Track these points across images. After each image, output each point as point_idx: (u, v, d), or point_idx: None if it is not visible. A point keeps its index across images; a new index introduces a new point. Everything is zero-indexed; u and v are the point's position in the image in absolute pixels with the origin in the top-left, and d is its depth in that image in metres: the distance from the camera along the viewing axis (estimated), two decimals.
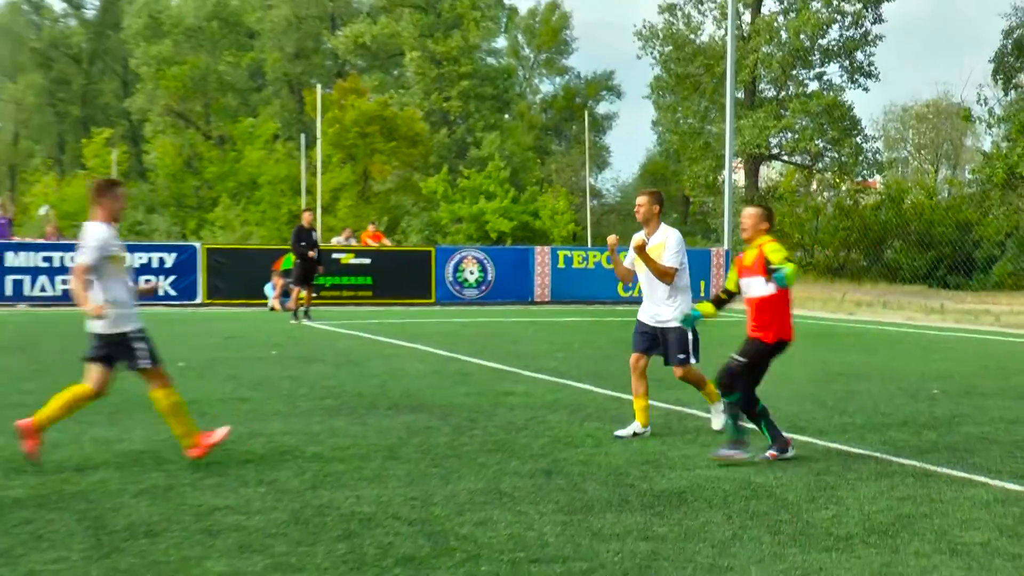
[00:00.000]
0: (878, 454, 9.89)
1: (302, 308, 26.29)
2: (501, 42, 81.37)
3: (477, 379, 15.13)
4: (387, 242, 39.70)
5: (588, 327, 26.23)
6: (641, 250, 10.34)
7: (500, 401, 12.93)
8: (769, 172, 62.64)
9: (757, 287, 9.45)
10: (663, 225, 10.57)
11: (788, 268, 9.05)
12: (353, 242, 38.18)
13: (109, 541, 6.75)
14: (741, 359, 9.40)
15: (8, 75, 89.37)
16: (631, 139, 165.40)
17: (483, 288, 35.15)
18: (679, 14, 58.22)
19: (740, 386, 9.38)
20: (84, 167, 71.89)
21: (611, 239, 10.60)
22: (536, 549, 6.67)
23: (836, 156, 56.76)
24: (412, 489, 8.26)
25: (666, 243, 10.39)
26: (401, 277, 34.57)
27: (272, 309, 31.49)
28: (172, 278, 32.66)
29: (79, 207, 63.97)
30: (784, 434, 9.66)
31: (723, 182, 44.44)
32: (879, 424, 11.61)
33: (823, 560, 6.54)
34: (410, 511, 7.58)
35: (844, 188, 55.59)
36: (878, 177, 59.28)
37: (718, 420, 10.81)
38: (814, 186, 58.44)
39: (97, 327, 8.95)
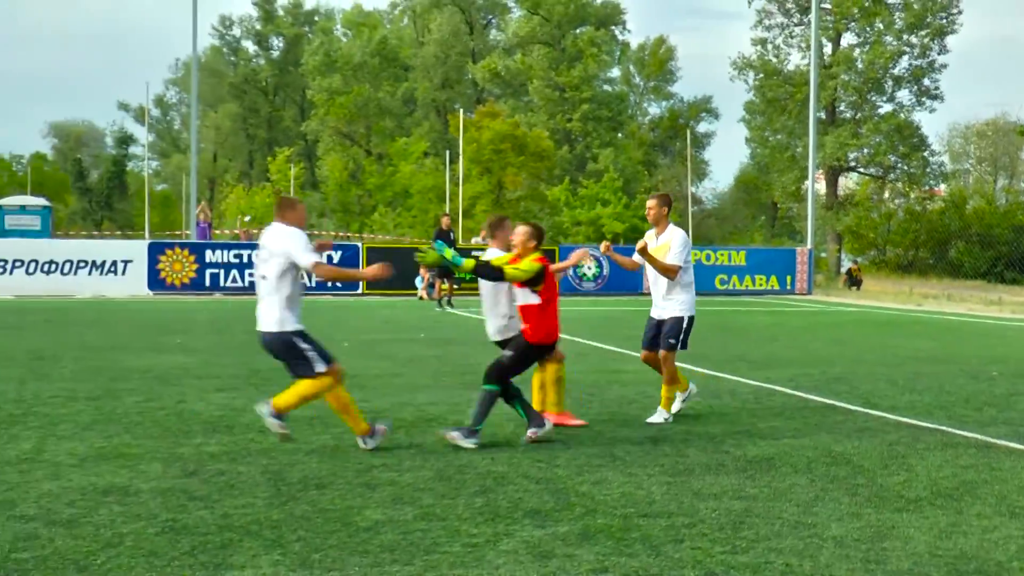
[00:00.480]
0: (943, 427, 9.57)
1: (445, 297, 26.51)
2: (615, 72, 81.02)
3: (594, 359, 15.03)
4: None
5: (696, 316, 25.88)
6: (643, 251, 9.87)
7: (614, 378, 12.84)
8: (847, 182, 61.24)
9: (523, 296, 8.94)
10: (671, 226, 10.01)
11: (467, 264, 8.70)
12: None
13: (287, 491, 6.85)
14: (507, 356, 8.70)
15: (210, 105, 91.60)
16: (727, 153, 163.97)
17: (599, 281, 34.98)
18: (769, 47, 57.24)
19: (504, 380, 8.64)
20: (268, 180, 73.40)
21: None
22: (644, 505, 6.59)
23: (906, 168, 55.20)
24: (538, 452, 8.22)
25: (671, 243, 9.87)
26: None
27: (420, 298, 31.74)
28: None
29: (264, 212, 65.41)
30: (539, 413, 8.97)
31: (807, 190, 43.55)
32: (944, 401, 11.24)
33: (895, 519, 6.34)
34: (537, 471, 7.55)
35: (913, 196, 54.26)
36: (943, 186, 57.59)
37: (676, 405, 10.06)
38: (886, 194, 57.01)
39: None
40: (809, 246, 37.32)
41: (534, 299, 8.87)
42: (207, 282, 31.84)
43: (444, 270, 26.74)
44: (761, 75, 57.13)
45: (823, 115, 54.00)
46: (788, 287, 35.28)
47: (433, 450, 8.25)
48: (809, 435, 9.06)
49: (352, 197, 70.49)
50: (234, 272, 32.17)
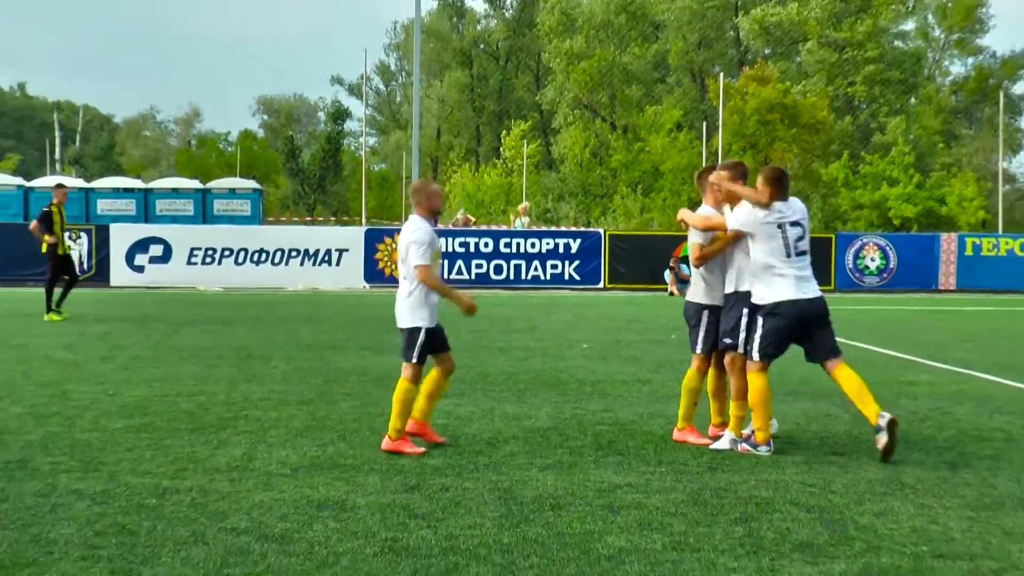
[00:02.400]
0: None
1: None
2: (909, 24, 78.18)
3: (879, 367, 14.63)
4: None
5: (998, 316, 24.84)
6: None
7: (903, 391, 12.46)
8: None
9: None
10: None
11: None
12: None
13: (518, 511, 6.99)
14: None
15: (434, 74, 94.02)
16: None
17: (884, 275, 33.98)
18: None
19: None
20: (499, 157, 74.73)
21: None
22: (941, 544, 6.38)
23: None
24: (810, 476, 8.09)
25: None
26: None
27: (671, 294, 31.68)
28: (576, 263, 33.47)
29: (493, 195, 66.67)
30: None
31: None
32: None
33: None
34: (808, 497, 7.43)
35: None
36: None
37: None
38: None
39: (399, 322, 9.24)
40: None
41: None
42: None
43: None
44: None
45: None
46: None
47: (685, 469, 8.24)
48: None
49: (594, 177, 70.91)
50: (459, 263, 33.00)
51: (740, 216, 9.06)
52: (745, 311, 9.07)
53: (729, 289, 9.27)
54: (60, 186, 21.71)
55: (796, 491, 7.60)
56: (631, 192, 63.82)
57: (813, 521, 6.82)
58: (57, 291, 20.98)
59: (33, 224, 20.99)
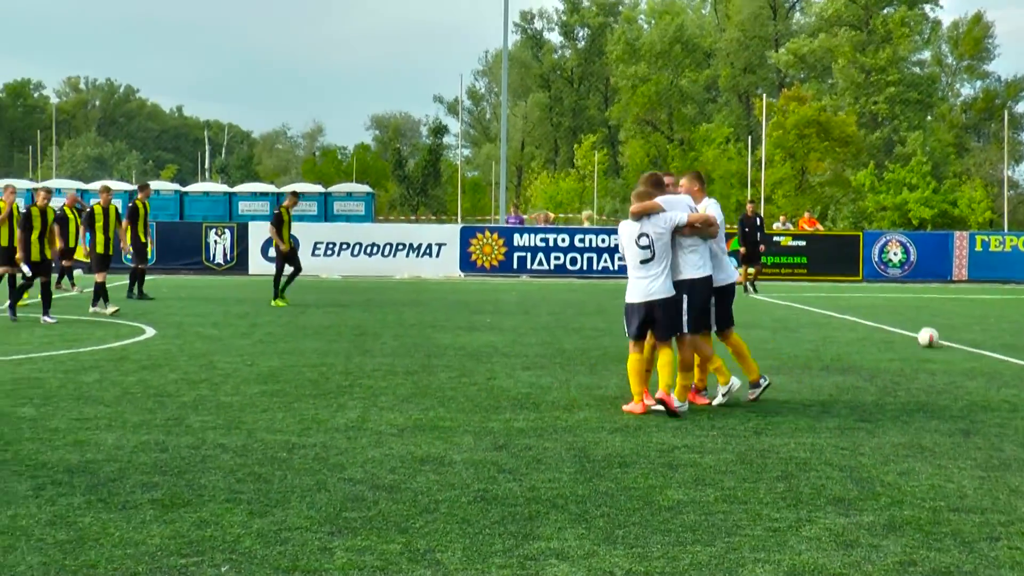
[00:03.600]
0: None
1: (748, 282, 26.00)
2: (925, 53, 76.58)
3: (900, 347, 14.34)
4: (820, 227, 38.44)
5: (1004, 304, 24.23)
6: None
7: (921, 367, 12.20)
8: None
9: None
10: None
11: None
12: (790, 227, 37.29)
13: (591, 467, 6.94)
14: None
15: (518, 95, 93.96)
16: None
17: (905, 268, 33.34)
18: None
19: None
20: (573, 166, 74.54)
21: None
22: (955, 499, 6.23)
23: None
24: (842, 440, 7.94)
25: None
26: (831, 257, 33.46)
27: None
28: None
29: (568, 197, 66.49)
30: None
31: None
32: None
33: None
34: (840, 458, 7.29)
35: None
36: None
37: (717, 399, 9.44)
38: None
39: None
40: None
41: None
42: (515, 264, 32.78)
43: (749, 255, 26.25)
44: None
45: None
46: None
47: (734, 433, 8.14)
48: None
49: None
50: (540, 255, 32.93)
51: (713, 209, 9.31)
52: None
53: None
54: (295, 194, 21.69)
55: (830, 453, 7.47)
56: None
57: (844, 479, 6.69)
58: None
59: (270, 227, 20.86)
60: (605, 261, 32.91)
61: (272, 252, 23.36)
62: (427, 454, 7.27)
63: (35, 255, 16.23)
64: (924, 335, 14.29)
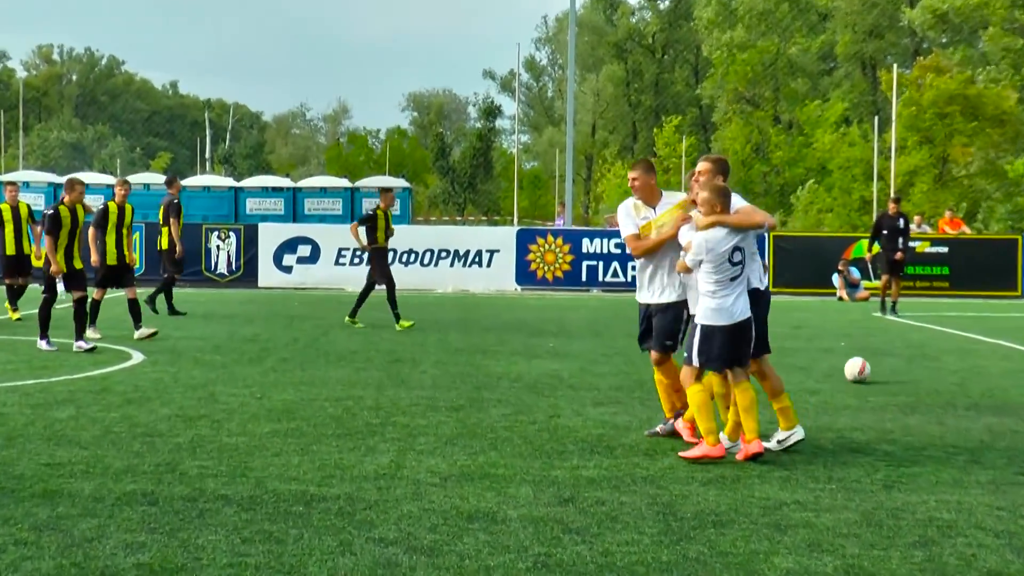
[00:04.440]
0: None
1: (889, 300, 25.58)
2: None
3: None
4: (966, 230, 37.98)
5: None
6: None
7: None
8: None
9: None
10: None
11: None
12: (927, 229, 36.89)
13: (678, 527, 6.89)
14: None
15: (588, 68, 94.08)
16: None
17: None
18: None
19: None
20: (655, 155, 74.39)
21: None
22: None
23: None
24: (997, 498, 7.80)
25: None
26: (982, 267, 32.99)
27: (840, 299, 31.11)
28: None
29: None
30: None
31: None
32: None
33: None
34: (996, 522, 7.16)
35: None
36: None
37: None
38: None
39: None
40: None
41: None
42: (583, 276, 32.75)
43: (890, 265, 25.82)
44: None
45: None
46: None
47: (857, 487, 8.04)
48: None
49: (756, 175, 70.11)
50: (615, 264, 32.88)
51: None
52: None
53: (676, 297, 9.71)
54: (390, 192, 21.87)
55: (982, 514, 7.34)
56: (810, 187, 62.29)
57: (1002, 547, 6.57)
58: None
59: (353, 226, 21.06)
60: None
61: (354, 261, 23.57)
62: (476, 509, 7.26)
63: (62, 263, 16.03)
64: (853, 367, 13.75)
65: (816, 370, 14.82)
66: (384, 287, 20.52)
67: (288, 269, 33.03)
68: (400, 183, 46.91)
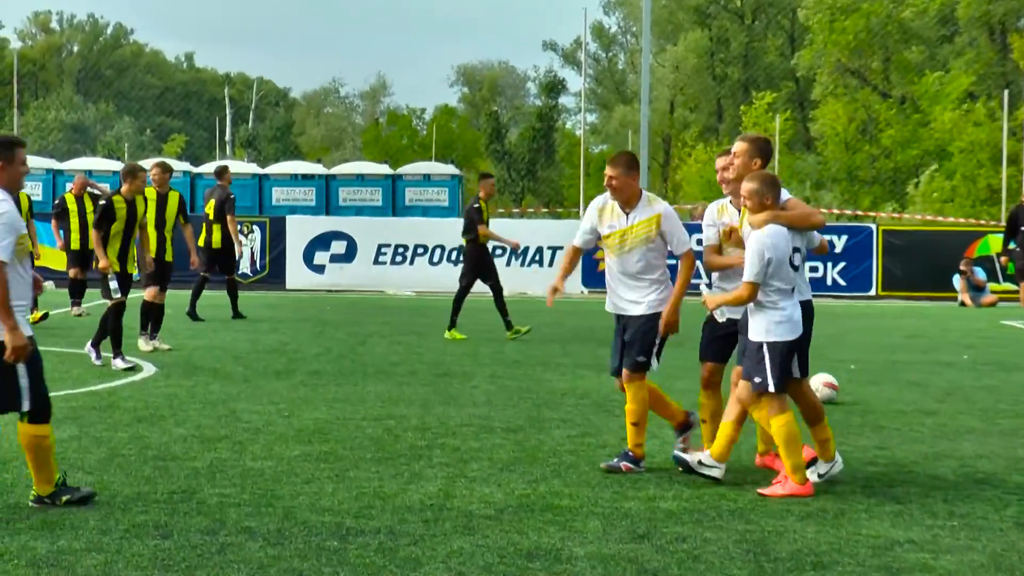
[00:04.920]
0: None
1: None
2: None
3: None
4: None
5: None
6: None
7: None
8: None
9: None
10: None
11: None
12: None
13: (772, 569, 6.88)
14: None
15: (666, 36, 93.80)
16: None
17: None
18: None
19: None
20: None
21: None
22: None
23: None
24: None
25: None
26: None
27: (962, 304, 30.85)
28: (841, 265, 32.89)
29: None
30: None
31: None
32: None
33: None
34: None
35: None
36: None
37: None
38: None
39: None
40: None
41: None
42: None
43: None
44: None
45: None
46: None
47: (983, 525, 7.99)
48: None
49: (863, 159, 69.60)
50: (698, 263, 32.73)
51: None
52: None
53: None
54: (488, 178, 22.43)
55: None
56: (930, 173, 61.73)
57: None
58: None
59: (482, 230, 21.14)
60: None
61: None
62: (536, 546, 7.28)
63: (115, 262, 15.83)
64: (819, 385, 12.86)
65: (934, 387, 14.74)
66: (464, 287, 20.62)
67: (320, 269, 33.24)
68: (449, 170, 46.92)
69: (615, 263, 9.83)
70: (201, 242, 22.73)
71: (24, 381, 7.95)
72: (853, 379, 15.26)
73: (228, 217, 23.15)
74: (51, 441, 8.14)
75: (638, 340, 9.71)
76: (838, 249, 32.95)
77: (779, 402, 8.97)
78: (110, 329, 15.88)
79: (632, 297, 9.82)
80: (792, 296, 9.01)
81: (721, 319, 9.68)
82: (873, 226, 34.26)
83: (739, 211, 9.54)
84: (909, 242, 33.67)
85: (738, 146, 9.50)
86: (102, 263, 15.69)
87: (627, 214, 9.72)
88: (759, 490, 8.85)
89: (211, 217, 23.15)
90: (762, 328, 8.98)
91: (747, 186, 9.03)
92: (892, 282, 32.80)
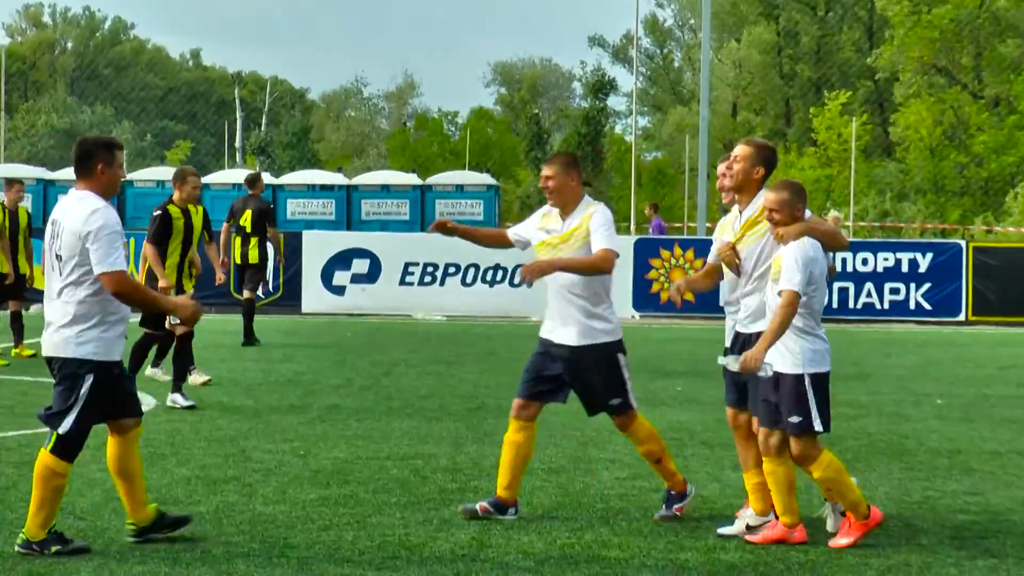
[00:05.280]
0: None
1: None
2: None
3: None
4: None
5: None
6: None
7: None
8: None
9: None
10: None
11: None
12: None
13: None
14: None
15: (728, 30, 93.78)
16: None
17: None
18: None
19: None
20: (814, 142, 73.95)
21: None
22: None
23: None
24: None
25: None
26: None
27: None
28: (926, 286, 32.69)
29: (810, 189, 65.82)
30: None
31: None
32: None
33: None
34: None
35: None
36: None
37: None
38: None
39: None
40: None
41: None
42: (721, 299, 32.53)
43: None
44: None
45: None
46: None
47: None
48: None
49: (950, 167, 69.38)
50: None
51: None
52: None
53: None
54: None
55: None
56: (1011, 187, 61.62)
57: None
58: None
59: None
60: (868, 295, 32.53)
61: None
62: None
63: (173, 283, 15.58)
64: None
65: None
66: None
67: (340, 290, 33.24)
68: (485, 179, 46.94)
69: (549, 277, 9.63)
70: (237, 258, 22.63)
71: (79, 404, 8.04)
72: (940, 415, 15.18)
73: (271, 230, 23.19)
74: (64, 484, 8.18)
75: (601, 383, 9.97)
76: (922, 269, 32.74)
77: (816, 442, 8.89)
78: (176, 364, 15.55)
79: (569, 319, 9.78)
80: (819, 322, 9.02)
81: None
82: (962, 242, 34.03)
83: (563, 223, 9.67)
84: (1003, 261, 33.41)
85: (740, 150, 9.35)
86: (162, 282, 15.26)
87: (563, 220, 9.69)
88: (830, 542, 8.78)
89: (248, 230, 22.87)
90: (799, 357, 8.88)
91: (774, 196, 8.86)
92: (984, 306, 32.55)
